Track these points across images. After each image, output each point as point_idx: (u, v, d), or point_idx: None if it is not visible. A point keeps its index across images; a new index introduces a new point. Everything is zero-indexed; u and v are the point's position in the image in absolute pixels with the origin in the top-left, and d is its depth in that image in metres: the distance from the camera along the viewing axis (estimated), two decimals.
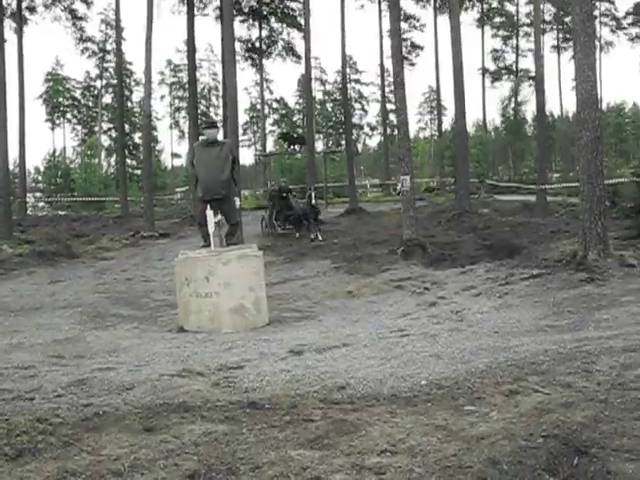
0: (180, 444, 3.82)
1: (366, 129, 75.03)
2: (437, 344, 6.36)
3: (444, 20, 40.44)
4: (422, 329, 7.34)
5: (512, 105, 50.42)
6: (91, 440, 3.95)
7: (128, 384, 5.37)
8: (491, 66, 56.51)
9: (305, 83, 32.47)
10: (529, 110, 59.31)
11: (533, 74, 34.21)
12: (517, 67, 54.82)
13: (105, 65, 63.01)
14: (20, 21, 33.62)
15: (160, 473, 3.42)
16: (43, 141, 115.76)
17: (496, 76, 56.87)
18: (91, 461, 3.62)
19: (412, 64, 46.49)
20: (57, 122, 69.34)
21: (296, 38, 43.66)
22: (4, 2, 27.73)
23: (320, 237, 18.20)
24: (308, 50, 30.87)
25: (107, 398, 4.99)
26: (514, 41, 54.64)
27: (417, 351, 6.08)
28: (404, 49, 35.56)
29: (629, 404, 4.02)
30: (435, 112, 55.49)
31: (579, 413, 3.91)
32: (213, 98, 67.92)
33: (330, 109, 72.05)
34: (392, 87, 32.91)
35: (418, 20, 45.55)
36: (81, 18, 41.22)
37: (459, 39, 21.76)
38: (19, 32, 33.47)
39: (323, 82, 71.46)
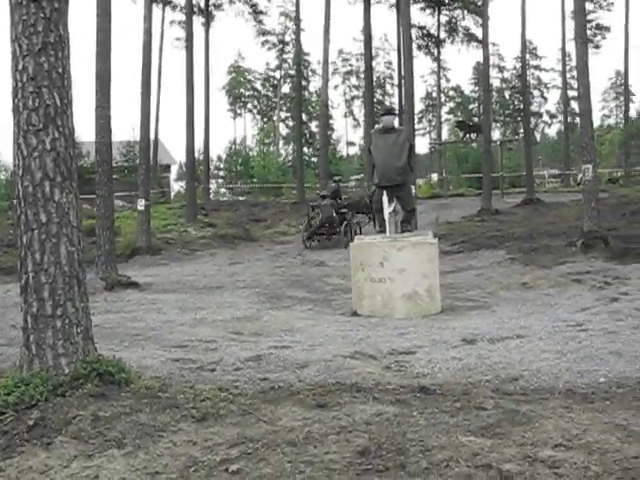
0: (352, 422, 3.91)
1: (545, 117, 72.43)
2: (618, 341, 6.03)
3: None
4: (602, 325, 6.99)
5: None
6: (268, 411, 4.15)
7: (302, 362, 5.60)
8: None
9: (482, 70, 31.67)
10: None
11: None
12: None
13: (284, 56, 65.13)
14: (207, 17, 35.45)
15: (332, 447, 3.52)
16: (225, 130, 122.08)
17: None
18: (267, 430, 3.81)
19: (597, 47, 43.66)
20: (238, 112, 72.84)
21: (475, 24, 42.84)
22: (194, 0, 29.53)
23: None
24: (486, 36, 30.07)
25: (282, 374, 5.23)
26: None
27: (596, 347, 5.81)
28: (588, 31, 33.68)
29: None
30: (622, 98, 52.09)
31: None
32: (388, 86, 68.37)
33: (508, 97, 69.90)
34: (574, 72, 31.46)
35: None
36: (261, 12, 42.73)
37: None
38: (206, 27, 35.27)
39: (501, 69, 69.40)
